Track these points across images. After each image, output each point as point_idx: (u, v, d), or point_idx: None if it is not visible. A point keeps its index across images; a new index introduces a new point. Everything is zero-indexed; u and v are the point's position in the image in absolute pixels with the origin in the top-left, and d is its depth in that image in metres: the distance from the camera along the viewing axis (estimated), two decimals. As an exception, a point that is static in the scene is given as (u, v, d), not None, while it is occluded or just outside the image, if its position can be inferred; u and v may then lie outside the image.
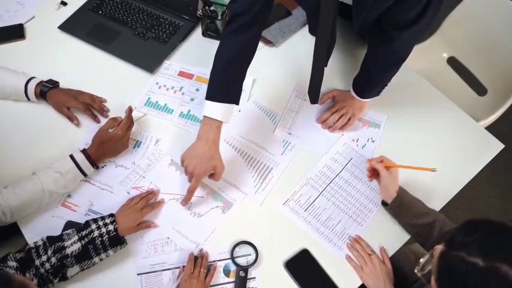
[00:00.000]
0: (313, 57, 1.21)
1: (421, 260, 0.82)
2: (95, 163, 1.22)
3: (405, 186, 1.29)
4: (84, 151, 1.21)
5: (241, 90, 1.19)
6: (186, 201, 1.21)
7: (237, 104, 1.17)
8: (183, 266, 1.14)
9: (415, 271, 0.83)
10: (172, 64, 1.50)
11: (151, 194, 1.24)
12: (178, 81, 1.47)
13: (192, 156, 1.16)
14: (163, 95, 1.44)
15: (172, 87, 1.46)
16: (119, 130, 1.22)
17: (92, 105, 1.36)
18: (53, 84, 1.36)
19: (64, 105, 1.34)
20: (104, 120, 1.34)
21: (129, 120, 1.26)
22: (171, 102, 1.42)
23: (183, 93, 1.44)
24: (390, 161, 1.22)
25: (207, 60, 1.44)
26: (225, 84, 1.16)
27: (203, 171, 1.15)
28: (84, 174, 1.21)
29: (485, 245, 0.72)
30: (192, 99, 1.43)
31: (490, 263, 0.69)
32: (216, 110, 1.14)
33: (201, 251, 1.18)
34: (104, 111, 1.38)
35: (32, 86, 1.33)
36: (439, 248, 0.77)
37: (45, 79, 1.37)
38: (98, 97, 1.40)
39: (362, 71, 1.35)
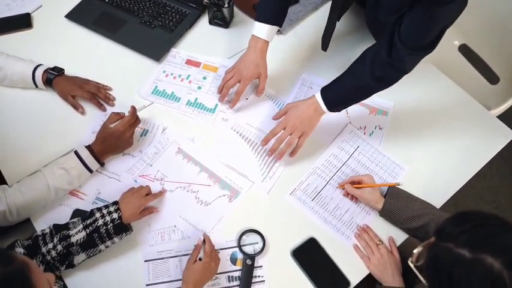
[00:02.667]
0: (330, 9, 1.35)
1: (415, 251, 0.81)
2: (99, 159, 1.21)
3: (413, 175, 1.29)
4: (88, 147, 1.20)
5: (285, 15, 1.35)
6: (233, 103, 1.36)
7: (280, 26, 1.34)
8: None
9: (409, 262, 0.82)
10: (180, 52, 1.49)
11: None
12: (186, 70, 1.46)
13: (243, 62, 1.33)
14: (170, 83, 1.43)
15: (180, 76, 1.45)
16: (120, 126, 1.20)
17: (97, 95, 1.36)
18: (58, 71, 1.36)
19: (69, 94, 1.34)
20: (110, 109, 1.34)
21: (133, 118, 1.22)
22: (178, 91, 1.42)
23: (190, 82, 1.44)
24: (360, 179, 1.22)
25: (214, 48, 1.44)
26: (273, 9, 1.31)
27: (249, 76, 1.32)
28: (90, 171, 1.20)
29: (472, 236, 0.72)
30: (199, 87, 1.43)
31: (476, 254, 0.69)
32: (262, 29, 1.30)
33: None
34: (109, 99, 1.38)
35: (39, 73, 1.33)
36: (431, 240, 0.77)
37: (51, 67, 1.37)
38: (103, 85, 1.40)
39: (358, 71, 1.22)
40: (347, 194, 1.25)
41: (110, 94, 1.39)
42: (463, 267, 0.70)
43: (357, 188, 1.21)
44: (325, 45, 1.44)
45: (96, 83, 1.39)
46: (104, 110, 1.37)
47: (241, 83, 1.32)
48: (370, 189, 1.20)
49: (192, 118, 1.37)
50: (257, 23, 1.30)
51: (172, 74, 1.45)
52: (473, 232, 0.72)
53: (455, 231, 0.73)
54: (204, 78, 1.45)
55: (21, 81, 1.35)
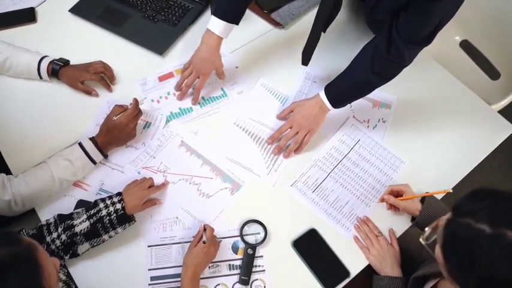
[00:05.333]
0: (314, 19, 1.28)
1: (426, 229, 0.82)
2: (102, 151, 1.23)
3: (414, 168, 1.31)
4: (92, 139, 1.22)
5: (243, 13, 1.32)
6: (195, 100, 1.38)
7: (237, 24, 1.30)
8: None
9: (420, 240, 0.83)
10: (146, 78, 1.44)
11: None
12: (162, 87, 1.42)
13: (198, 59, 1.33)
14: (166, 105, 1.39)
15: (161, 97, 1.40)
16: (123, 119, 1.21)
17: (105, 73, 1.38)
18: (64, 62, 1.37)
19: (78, 81, 1.35)
20: (113, 102, 1.36)
21: (135, 110, 1.23)
22: (179, 104, 1.40)
23: (174, 94, 1.42)
24: (402, 190, 1.20)
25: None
26: (231, 5, 1.28)
27: (208, 72, 1.35)
28: (94, 162, 1.22)
29: (493, 212, 0.72)
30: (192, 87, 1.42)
31: (496, 229, 0.69)
32: (218, 25, 1.27)
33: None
34: (113, 78, 1.40)
35: (44, 65, 1.34)
36: (444, 217, 0.77)
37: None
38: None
39: (360, 67, 1.24)
40: (390, 207, 1.23)
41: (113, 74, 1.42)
42: (484, 242, 0.70)
43: (402, 199, 1.19)
44: (306, 59, 1.39)
45: (100, 61, 1.40)
46: (111, 91, 1.39)
47: (200, 78, 1.33)
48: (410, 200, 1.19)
49: (195, 112, 1.38)
50: (213, 18, 1.28)
51: (156, 99, 1.40)
52: (492, 208, 0.73)
53: (475, 207, 0.73)
54: None
55: (26, 72, 1.36)
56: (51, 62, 1.35)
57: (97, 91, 1.38)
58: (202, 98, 1.41)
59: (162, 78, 1.44)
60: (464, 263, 0.72)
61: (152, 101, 1.40)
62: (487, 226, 0.70)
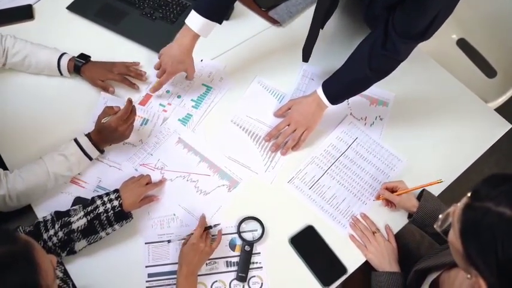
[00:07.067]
0: (313, 17, 1.28)
1: (440, 216, 0.82)
2: (98, 147, 1.22)
3: (411, 166, 1.31)
4: (88, 135, 1.21)
5: (226, 13, 1.30)
6: (154, 89, 1.35)
7: (220, 23, 1.25)
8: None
9: (435, 226, 0.83)
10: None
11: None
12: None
13: (168, 55, 1.29)
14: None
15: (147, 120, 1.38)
16: (112, 122, 1.17)
17: (128, 74, 1.38)
18: (85, 58, 1.37)
19: (99, 79, 1.35)
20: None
21: (126, 113, 1.18)
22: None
23: (169, 103, 1.40)
24: (397, 186, 1.22)
25: (215, 40, 1.45)
26: (215, 3, 1.23)
27: (173, 71, 1.31)
28: (90, 158, 1.21)
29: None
30: (179, 96, 1.42)
31: None
32: (197, 22, 1.22)
33: (215, 226, 1.16)
34: (141, 76, 1.40)
35: (64, 61, 1.35)
36: (458, 205, 0.76)
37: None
38: (131, 63, 1.42)
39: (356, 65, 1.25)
40: (387, 203, 1.25)
41: (141, 70, 1.41)
42: (505, 225, 0.69)
43: (398, 194, 1.20)
44: (306, 55, 1.40)
45: (124, 62, 1.40)
46: (137, 88, 1.39)
47: (165, 75, 1.30)
48: (407, 195, 1.20)
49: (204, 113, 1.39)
50: (193, 13, 1.21)
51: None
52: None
53: (494, 191, 0.72)
54: (168, 91, 1.41)
55: (47, 68, 1.36)
56: (72, 59, 1.36)
57: (114, 88, 1.37)
58: (192, 100, 1.40)
59: (142, 102, 1.39)
60: (486, 247, 0.71)
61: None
62: (507, 209, 0.69)
